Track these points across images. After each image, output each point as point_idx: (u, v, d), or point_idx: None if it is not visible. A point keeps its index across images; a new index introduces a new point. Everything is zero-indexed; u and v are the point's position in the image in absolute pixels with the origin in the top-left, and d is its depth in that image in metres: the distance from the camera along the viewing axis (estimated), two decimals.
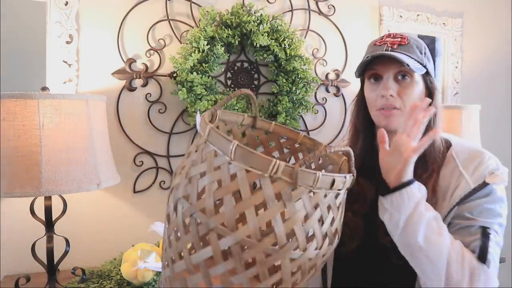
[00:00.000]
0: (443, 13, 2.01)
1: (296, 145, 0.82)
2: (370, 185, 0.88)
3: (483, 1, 2.12)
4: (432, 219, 0.76)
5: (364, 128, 0.94)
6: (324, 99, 1.78)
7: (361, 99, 0.94)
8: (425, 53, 0.87)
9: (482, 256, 0.76)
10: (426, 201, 0.79)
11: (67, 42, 1.41)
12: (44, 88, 1.16)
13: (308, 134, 1.76)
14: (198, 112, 1.10)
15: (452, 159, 0.85)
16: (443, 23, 2.00)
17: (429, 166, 0.85)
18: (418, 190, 0.76)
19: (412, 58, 0.84)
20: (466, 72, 2.09)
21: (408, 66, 0.80)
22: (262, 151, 0.87)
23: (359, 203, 0.88)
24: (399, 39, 0.86)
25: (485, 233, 0.78)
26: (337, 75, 1.79)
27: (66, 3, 1.40)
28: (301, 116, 1.72)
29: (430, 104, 0.86)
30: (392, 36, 0.88)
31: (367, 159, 0.91)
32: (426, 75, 0.87)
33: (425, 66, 0.85)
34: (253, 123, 0.81)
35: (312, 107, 1.67)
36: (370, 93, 0.89)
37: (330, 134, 1.80)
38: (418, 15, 1.93)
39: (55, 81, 1.39)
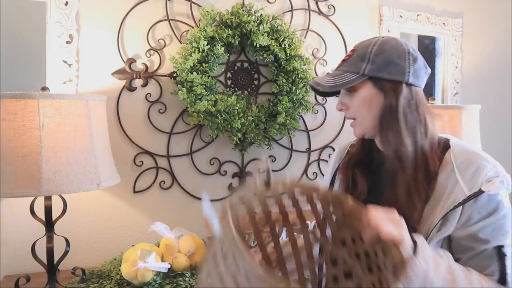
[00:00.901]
0: (443, 13, 2.01)
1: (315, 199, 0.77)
2: (365, 176, 0.93)
3: (483, 1, 2.12)
4: (446, 275, 0.72)
5: None
6: (324, 99, 1.78)
7: None
8: (369, 59, 0.85)
9: (503, 279, 0.76)
10: (421, 209, 0.81)
11: (67, 42, 1.41)
12: (44, 88, 1.16)
13: (308, 134, 1.76)
14: (205, 199, 1.05)
15: (450, 162, 0.82)
16: (443, 23, 2.00)
17: (425, 168, 0.84)
18: (424, 261, 0.69)
19: (346, 72, 0.86)
20: (466, 72, 2.09)
21: (319, 91, 0.88)
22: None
23: (356, 194, 0.92)
24: (348, 54, 0.90)
25: (500, 253, 0.77)
26: None
27: (66, 3, 1.40)
28: (301, 116, 1.72)
29: (388, 102, 0.86)
30: (350, 50, 0.92)
31: (368, 153, 0.97)
32: (375, 79, 0.85)
33: (363, 74, 0.85)
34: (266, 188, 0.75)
35: (312, 107, 1.67)
36: None
37: (330, 134, 1.81)
38: (418, 15, 1.93)
39: (55, 81, 1.40)
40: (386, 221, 0.65)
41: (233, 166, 1.67)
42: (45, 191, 1.05)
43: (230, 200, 0.63)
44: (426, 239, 0.77)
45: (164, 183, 1.57)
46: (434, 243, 0.79)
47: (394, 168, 0.85)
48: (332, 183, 1.03)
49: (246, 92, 1.64)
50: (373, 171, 0.94)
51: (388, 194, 0.87)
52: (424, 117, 0.85)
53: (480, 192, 0.77)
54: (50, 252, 1.19)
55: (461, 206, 0.78)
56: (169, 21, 1.54)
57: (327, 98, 1.77)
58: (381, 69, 0.84)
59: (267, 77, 1.67)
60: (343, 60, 0.90)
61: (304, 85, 1.61)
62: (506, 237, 0.78)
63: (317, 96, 1.75)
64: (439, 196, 0.81)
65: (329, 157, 1.81)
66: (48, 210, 1.19)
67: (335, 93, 0.95)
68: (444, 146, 0.86)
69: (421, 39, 2.02)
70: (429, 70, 0.90)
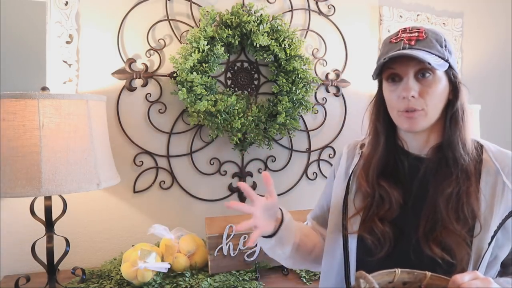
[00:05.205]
0: (443, 13, 2.01)
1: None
2: (395, 188, 0.83)
3: (483, 1, 2.11)
4: None
5: (386, 130, 0.87)
6: (324, 99, 1.78)
7: (380, 100, 0.87)
8: (445, 46, 0.81)
9: None
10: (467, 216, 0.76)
11: (67, 42, 1.41)
12: (44, 88, 1.16)
13: (308, 134, 1.76)
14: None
15: (491, 162, 0.80)
16: (443, 23, 2.00)
17: (465, 173, 0.78)
18: None
19: (433, 54, 0.77)
20: (466, 72, 2.09)
21: (430, 64, 0.74)
22: None
23: (384, 208, 0.83)
24: (416, 34, 0.80)
25: None
26: (337, 75, 1.79)
27: (66, 3, 1.40)
28: (301, 116, 1.72)
29: (456, 100, 0.80)
30: (408, 30, 0.81)
31: (391, 160, 0.87)
32: (449, 70, 0.80)
33: (447, 61, 0.78)
34: None
35: (312, 107, 1.67)
36: (390, 95, 0.82)
37: (330, 134, 1.80)
38: (418, 15, 1.93)
39: (55, 81, 1.40)
40: (478, 284, 0.63)
41: (233, 166, 1.67)
42: (45, 191, 1.05)
43: None
44: (489, 245, 0.76)
45: (164, 183, 1.57)
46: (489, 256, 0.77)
47: (443, 174, 0.79)
48: (347, 190, 0.91)
49: (246, 92, 1.64)
50: (401, 181, 0.85)
51: (429, 208, 0.79)
52: None
53: None
54: (50, 252, 1.19)
55: None
56: (169, 21, 1.54)
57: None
58: (455, 62, 0.82)
59: (267, 77, 1.67)
60: (417, 39, 0.80)
61: (304, 85, 1.61)
62: None
63: (317, 96, 1.75)
64: (490, 201, 0.77)
65: (330, 157, 1.80)
66: (48, 210, 1.19)
67: (378, 75, 0.84)
68: (475, 145, 0.83)
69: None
70: None
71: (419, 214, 0.80)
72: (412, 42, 0.79)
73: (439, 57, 0.78)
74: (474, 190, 0.77)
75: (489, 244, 0.75)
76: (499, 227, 0.75)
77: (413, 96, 0.78)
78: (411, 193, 0.83)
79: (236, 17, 1.52)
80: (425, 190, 0.81)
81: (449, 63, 0.79)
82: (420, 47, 0.78)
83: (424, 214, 0.79)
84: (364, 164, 0.89)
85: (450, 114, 0.80)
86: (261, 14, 1.57)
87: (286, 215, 0.89)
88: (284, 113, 1.56)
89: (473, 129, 0.83)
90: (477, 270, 0.74)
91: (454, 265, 0.74)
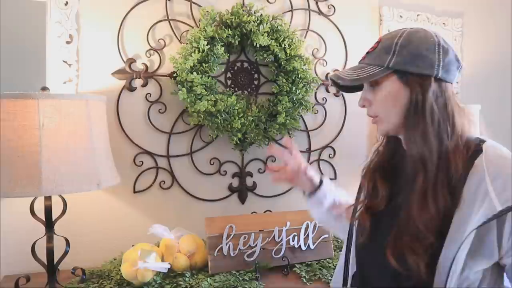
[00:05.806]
0: (443, 13, 2.01)
1: None
2: (385, 184, 0.87)
3: (483, 1, 2.12)
4: None
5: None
6: (324, 99, 1.78)
7: None
8: (394, 51, 0.78)
9: None
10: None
11: (67, 42, 1.41)
12: (44, 88, 1.16)
13: (308, 134, 1.76)
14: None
15: (481, 168, 0.72)
16: (443, 23, 2.00)
17: (448, 172, 0.75)
18: None
19: (371, 65, 0.80)
20: (466, 72, 2.08)
21: (339, 85, 0.84)
22: None
23: (373, 200, 0.88)
24: (372, 46, 0.84)
25: None
26: None
27: (66, 3, 1.40)
28: (301, 116, 1.72)
29: (409, 102, 0.78)
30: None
31: (396, 157, 0.89)
32: (401, 73, 0.78)
33: (388, 67, 0.78)
34: None
35: (312, 107, 1.67)
36: None
37: (330, 134, 1.80)
38: (418, 15, 1.93)
39: (55, 81, 1.40)
40: None
41: (233, 166, 1.67)
42: (45, 191, 1.05)
43: None
44: (457, 252, 0.70)
45: (164, 183, 1.57)
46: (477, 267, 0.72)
47: (414, 171, 0.78)
48: (360, 186, 0.97)
49: (246, 92, 1.64)
50: (395, 177, 0.87)
51: (404, 200, 0.79)
52: (453, 116, 0.78)
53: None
54: (50, 252, 1.19)
55: (496, 225, 0.70)
56: (169, 21, 1.54)
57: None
58: (407, 62, 0.77)
59: (267, 77, 1.67)
60: (367, 53, 0.84)
61: (304, 85, 1.61)
62: None
63: (317, 96, 1.75)
64: (471, 204, 0.71)
65: (330, 157, 1.81)
66: (48, 210, 1.19)
67: (358, 89, 0.88)
68: (476, 149, 0.76)
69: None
70: (462, 64, 0.83)
71: (397, 215, 0.79)
72: (363, 57, 0.85)
73: (377, 65, 0.79)
74: (455, 205, 0.73)
75: (456, 253, 0.70)
76: (475, 229, 0.70)
77: (364, 106, 0.85)
78: (398, 191, 0.85)
79: (236, 17, 1.52)
80: (407, 185, 0.81)
81: (392, 68, 0.78)
82: (366, 60, 0.83)
83: (401, 217, 0.78)
84: (372, 160, 0.95)
85: (407, 114, 0.79)
86: (261, 14, 1.57)
87: (325, 184, 1.03)
88: (284, 113, 1.57)
89: (435, 132, 0.76)
90: (446, 280, 0.71)
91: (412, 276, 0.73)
